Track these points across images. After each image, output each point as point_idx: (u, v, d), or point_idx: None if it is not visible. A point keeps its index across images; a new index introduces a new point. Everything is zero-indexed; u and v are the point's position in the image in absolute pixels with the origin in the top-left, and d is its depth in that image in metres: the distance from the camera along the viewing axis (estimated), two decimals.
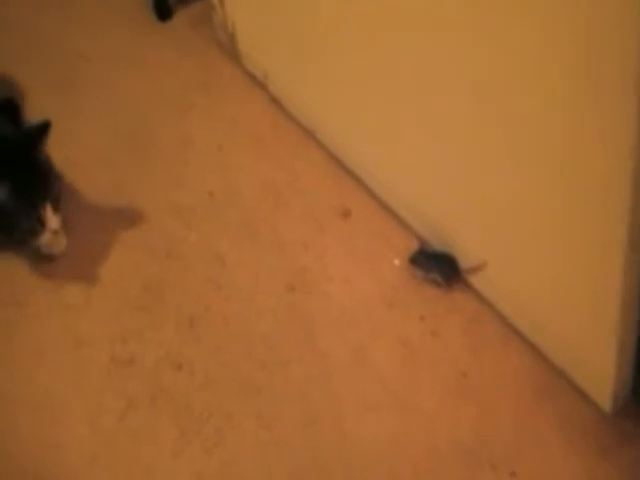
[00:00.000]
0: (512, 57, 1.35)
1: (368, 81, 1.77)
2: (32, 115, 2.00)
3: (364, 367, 1.71)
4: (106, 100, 2.20)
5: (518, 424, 1.60)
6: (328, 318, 1.78)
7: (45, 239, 1.76)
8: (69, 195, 1.95)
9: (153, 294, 1.84)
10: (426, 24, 1.50)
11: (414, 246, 1.83)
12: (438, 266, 1.77)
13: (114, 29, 2.37)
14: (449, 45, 1.47)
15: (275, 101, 2.16)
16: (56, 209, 1.75)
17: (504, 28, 1.33)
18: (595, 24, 1.15)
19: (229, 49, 2.27)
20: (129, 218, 1.96)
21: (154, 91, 2.22)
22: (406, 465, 1.59)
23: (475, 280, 1.77)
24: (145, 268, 1.88)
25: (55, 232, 1.76)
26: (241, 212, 1.96)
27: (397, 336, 1.74)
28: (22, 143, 1.73)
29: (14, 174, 1.68)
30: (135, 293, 1.84)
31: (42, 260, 1.88)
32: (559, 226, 1.46)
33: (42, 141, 1.72)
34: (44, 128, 1.71)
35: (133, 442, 1.64)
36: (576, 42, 1.20)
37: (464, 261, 1.76)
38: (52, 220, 1.73)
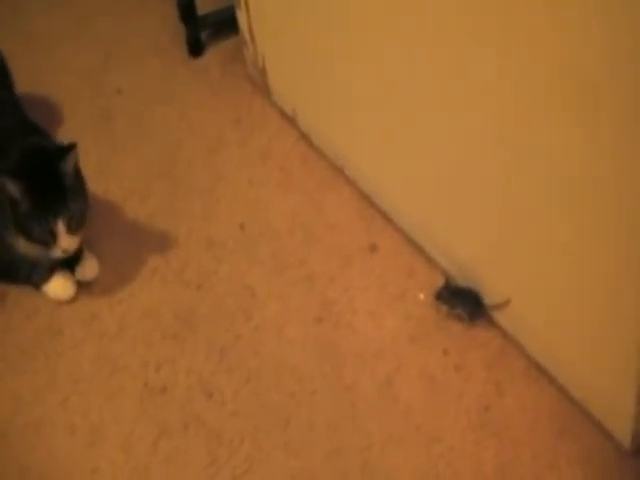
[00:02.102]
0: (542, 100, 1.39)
1: (396, 119, 1.81)
2: None
3: (389, 399, 1.75)
4: (140, 134, 2.26)
5: (539, 459, 1.62)
6: (354, 350, 1.82)
7: (56, 254, 1.78)
8: (104, 225, 2.02)
9: (185, 324, 1.88)
10: (458, 62, 1.53)
11: (439, 281, 1.87)
12: (462, 302, 1.81)
13: (148, 65, 2.44)
14: (483, 87, 1.50)
15: (304, 136, 2.22)
16: (74, 231, 1.77)
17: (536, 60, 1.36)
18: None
19: (260, 85, 2.33)
20: (162, 249, 2.01)
21: (186, 125, 2.28)
22: None
23: (499, 316, 1.80)
24: (177, 298, 1.93)
25: (66, 251, 1.78)
26: (271, 245, 2.01)
27: (421, 369, 1.78)
28: (48, 155, 1.77)
29: (33, 180, 1.72)
30: (167, 322, 1.89)
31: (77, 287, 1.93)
32: (584, 266, 1.49)
33: (66, 158, 1.75)
34: (69, 148, 1.75)
35: (165, 468, 1.68)
36: None
37: (488, 297, 1.80)
38: (64, 239, 1.75)
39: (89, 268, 1.94)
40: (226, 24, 2.41)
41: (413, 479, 1.64)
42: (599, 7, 1.18)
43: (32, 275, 1.89)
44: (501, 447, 1.66)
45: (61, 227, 1.74)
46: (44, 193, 1.73)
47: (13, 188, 1.69)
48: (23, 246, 1.79)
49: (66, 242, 1.76)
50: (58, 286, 1.90)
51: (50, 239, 1.76)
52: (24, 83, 2.15)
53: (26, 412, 1.76)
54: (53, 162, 1.75)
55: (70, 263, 1.92)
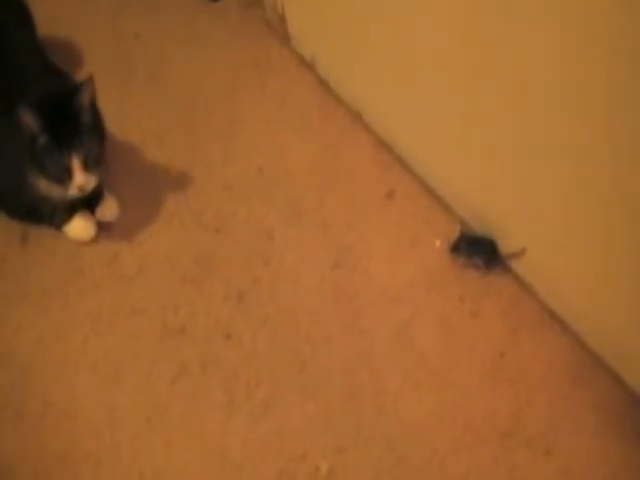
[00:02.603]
0: None
1: (415, 65, 1.81)
2: None
3: (404, 345, 1.78)
4: (159, 77, 2.25)
5: (553, 405, 1.66)
6: (371, 296, 1.85)
7: (72, 192, 1.78)
8: (123, 168, 2.02)
9: (203, 267, 1.90)
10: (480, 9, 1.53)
11: (455, 228, 1.89)
12: (479, 251, 1.83)
13: (167, 7, 2.42)
14: (502, 30, 1.50)
15: (323, 82, 2.21)
16: (90, 169, 1.77)
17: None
18: None
19: (278, 30, 2.32)
20: (181, 192, 2.02)
21: (205, 69, 2.27)
22: (444, 440, 1.66)
23: (514, 264, 1.82)
24: (196, 241, 1.94)
25: (82, 189, 1.78)
26: (289, 190, 2.02)
27: (437, 316, 1.81)
28: (64, 92, 1.76)
29: (52, 115, 1.71)
30: (186, 265, 1.90)
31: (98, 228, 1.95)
32: (601, 213, 1.51)
33: (83, 94, 1.74)
34: (87, 83, 1.75)
35: (184, 407, 1.71)
36: None
37: (505, 246, 1.81)
38: (80, 176, 1.75)
39: (109, 209, 1.95)
40: None
41: (427, 423, 1.68)
42: None
43: (53, 216, 1.90)
44: (515, 393, 1.69)
45: (76, 163, 1.74)
46: (61, 128, 1.73)
47: (32, 120, 1.69)
48: (44, 186, 1.79)
49: (81, 179, 1.76)
50: (79, 227, 1.92)
51: (65, 176, 1.75)
52: (45, 25, 2.14)
53: (49, 350, 1.78)
54: (71, 98, 1.75)
55: (91, 204, 1.93)
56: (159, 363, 1.76)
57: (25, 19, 2.10)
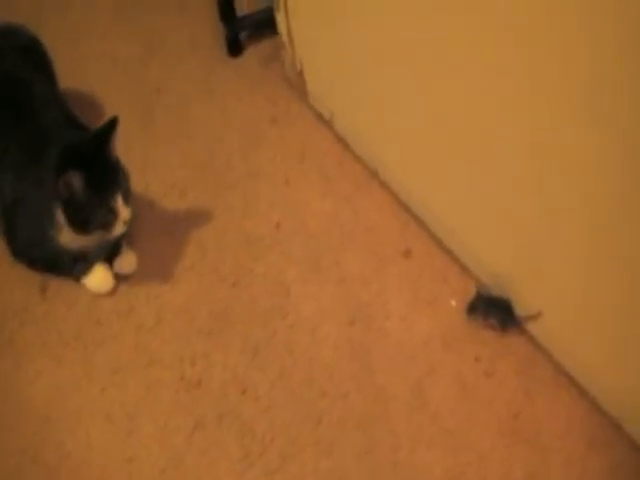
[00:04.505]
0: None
1: (432, 124, 1.82)
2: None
3: (420, 403, 1.78)
4: (180, 131, 2.29)
5: (569, 467, 1.65)
6: (386, 353, 1.85)
7: (118, 230, 1.81)
8: (143, 220, 2.05)
9: (220, 320, 1.91)
10: (496, 69, 1.54)
11: (471, 287, 1.90)
12: (495, 311, 1.84)
13: (188, 63, 2.47)
14: (516, 96, 1.52)
15: (340, 139, 2.25)
16: (126, 201, 1.80)
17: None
18: None
19: (297, 86, 2.35)
20: (199, 245, 2.04)
21: (225, 123, 2.31)
22: None
23: (530, 325, 1.83)
24: (213, 294, 1.96)
25: (126, 223, 1.81)
26: (306, 244, 2.04)
27: (452, 375, 1.81)
28: (94, 139, 1.79)
29: (88, 168, 1.74)
30: (203, 318, 1.92)
31: (116, 280, 1.97)
32: (617, 281, 1.51)
33: (111, 136, 1.78)
34: (112, 124, 1.77)
35: (199, 461, 1.71)
36: None
37: (520, 307, 1.82)
38: (124, 210, 1.79)
39: (128, 262, 1.97)
40: (265, 25, 2.43)
41: None
42: None
43: (73, 267, 1.92)
44: (531, 454, 1.69)
45: (119, 201, 1.78)
46: (99, 174, 1.76)
47: (77, 181, 1.72)
48: (65, 240, 1.82)
49: (125, 213, 1.80)
50: (98, 279, 1.94)
51: (111, 217, 1.79)
52: (66, 79, 2.18)
53: (66, 400, 1.79)
54: (101, 141, 1.78)
55: (109, 257, 1.95)
56: (175, 415, 1.77)
57: (47, 73, 2.14)
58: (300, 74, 2.31)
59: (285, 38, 2.30)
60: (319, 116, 2.30)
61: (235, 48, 2.51)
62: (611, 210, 1.43)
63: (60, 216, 1.78)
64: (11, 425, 1.76)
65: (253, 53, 2.52)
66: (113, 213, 1.78)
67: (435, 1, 1.61)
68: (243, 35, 2.54)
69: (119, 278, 1.97)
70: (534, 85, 1.45)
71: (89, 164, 1.75)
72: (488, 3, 1.46)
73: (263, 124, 2.30)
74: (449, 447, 1.71)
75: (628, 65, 1.24)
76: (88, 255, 1.91)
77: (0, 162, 1.91)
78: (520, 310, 1.83)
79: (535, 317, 1.79)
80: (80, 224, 1.79)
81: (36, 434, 1.75)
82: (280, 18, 2.28)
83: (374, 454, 1.71)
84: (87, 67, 2.42)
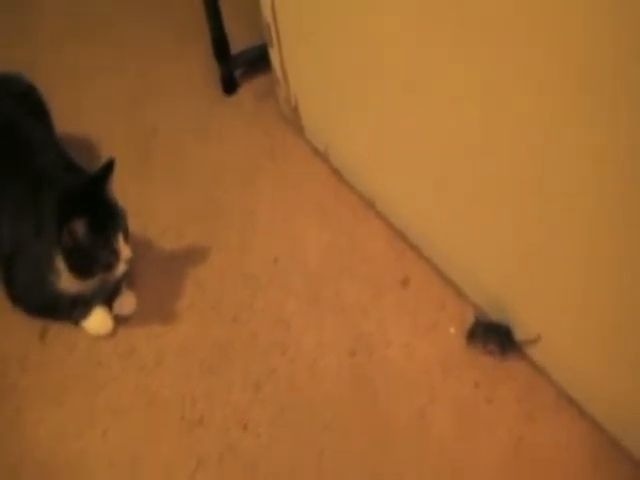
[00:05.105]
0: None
1: (426, 155, 1.83)
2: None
3: (422, 430, 1.77)
4: (177, 170, 2.31)
5: None
6: (388, 382, 1.85)
7: (120, 270, 1.82)
8: (142, 261, 2.06)
9: (220, 356, 1.92)
10: (491, 102, 1.54)
11: (469, 314, 1.91)
12: (494, 337, 1.84)
13: (184, 102, 2.49)
14: (514, 117, 1.51)
15: (336, 172, 2.26)
16: (126, 240, 1.82)
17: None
18: None
19: (292, 121, 2.37)
20: (198, 283, 2.05)
21: (221, 161, 2.33)
22: None
23: (530, 349, 1.82)
24: (213, 332, 1.97)
25: (127, 262, 1.82)
26: (305, 277, 2.05)
27: (453, 401, 1.81)
28: (92, 183, 1.81)
29: (89, 213, 1.76)
30: (203, 355, 1.92)
31: (115, 321, 1.98)
32: (616, 302, 1.50)
33: (109, 178, 1.80)
34: (109, 166, 1.79)
35: None
36: None
37: (519, 331, 1.82)
38: (125, 250, 1.81)
39: (127, 303, 1.99)
40: (259, 61, 2.45)
41: None
42: None
43: (72, 311, 1.94)
44: (534, 478, 1.67)
45: (120, 241, 1.80)
46: (101, 218, 1.78)
47: (80, 228, 1.74)
48: (65, 285, 1.83)
49: (126, 252, 1.81)
50: (97, 321, 1.95)
51: (113, 258, 1.80)
52: (62, 122, 2.21)
53: (68, 445, 1.80)
54: (97, 186, 1.80)
55: (109, 298, 1.96)
56: (177, 455, 1.77)
57: (44, 118, 2.17)
58: (295, 109, 2.33)
59: (279, 74, 2.32)
60: (315, 150, 2.32)
61: (230, 86, 2.53)
62: (609, 230, 1.43)
63: (60, 262, 1.79)
64: (13, 472, 1.77)
65: (248, 90, 2.54)
66: (115, 254, 1.80)
67: (429, 31, 1.61)
68: (238, 73, 2.55)
69: (119, 319, 1.98)
70: (534, 110, 1.45)
71: (89, 209, 1.77)
72: (486, 25, 1.46)
73: (259, 160, 2.32)
74: (452, 474, 1.71)
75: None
76: (87, 298, 1.92)
77: None
78: (519, 335, 1.83)
79: (534, 341, 1.79)
80: (82, 268, 1.80)
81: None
82: (274, 54, 2.30)
83: None
84: (83, 109, 2.45)
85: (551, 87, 1.37)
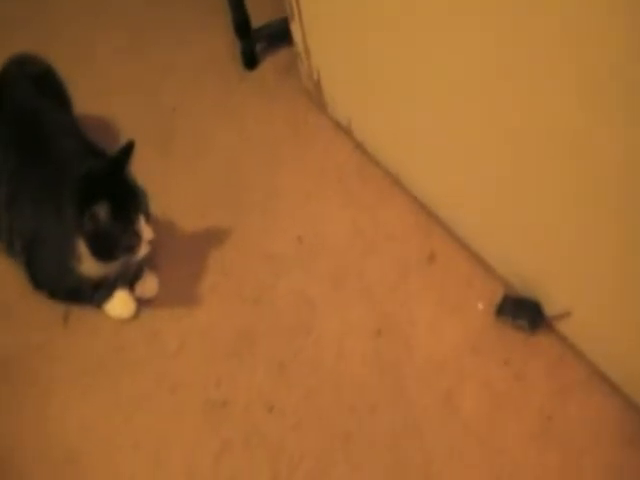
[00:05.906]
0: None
1: (452, 127, 1.80)
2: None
3: (450, 412, 1.74)
4: (198, 150, 2.29)
5: (603, 470, 1.60)
6: (414, 363, 1.82)
7: (142, 251, 1.81)
8: (164, 243, 2.03)
9: (244, 339, 1.90)
10: (518, 74, 1.51)
11: (498, 290, 1.86)
12: (523, 313, 1.80)
13: (204, 80, 2.47)
14: (540, 92, 1.48)
15: (359, 146, 2.22)
16: (148, 221, 1.81)
17: None
18: None
19: (314, 96, 2.34)
20: (221, 265, 2.03)
21: (243, 140, 2.30)
22: None
23: (560, 325, 1.78)
24: (236, 314, 1.94)
25: (149, 243, 1.81)
26: (329, 257, 2.02)
27: (482, 381, 1.77)
28: (111, 165, 1.80)
29: (110, 196, 1.75)
30: (227, 338, 1.90)
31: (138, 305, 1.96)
32: None
33: (129, 160, 1.79)
34: (129, 148, 1.78)
35: None
36: None
37: (549, 307, 1.78)
38: (147, 231, 1.80)
39: (149, 286, 1.97)
40: (280, 36, 2.42)
41: None
42: None
43: (94, 295, 1.92)
44: (564, 458, 1.64)
45: (142, 221, 1.79)
46: (122, 200, 1.77)
47: (103, 212, 1.73)
48: (87, 269, 1.82)
49: (148, 234, 1.80)
50: (119, 305, 1.94)
51: (135, 239, 1.79)
52: (82, 103, 2.19)
53: (93, 430, 1.79)
54: (117, 168, 1.79)
55: (131, 282, 1.95)
56: (202, 438, 1.75)
57: (62, 101, 2.15)
58: (317, 83, 2.30)
59: (301, 48, 2.29)
60: (337, 124, 2.28)
61: (251, 61, 2.50)
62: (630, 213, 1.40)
63: (81, 246, 1.78)
64: (41, 458, 1.76)
65: (269, 65, 2.51)
66: (137, 236, 1.79)
67: (451, 5, 1.58)
68: (259, 47, 2.53)
69: (141, 303, 1.96)
70: (555, 89, 1.42)
71: (110, 192, 1.75)
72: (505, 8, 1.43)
73: (281, 136, 2.29)
74: (482, 456, 1.67)
75: None
76: (109, 282, 1.90)
77: (18, 195, 1.91)
78: (549, 310, 1.79)
79: (565, 316, 1.75)
80: (104, 252, 1.79)
81: (66, 466, 1.74)
82: (295, 28, 2.26)
83: (406, 468, 1.68)
84: (102, 90, 2.43)
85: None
